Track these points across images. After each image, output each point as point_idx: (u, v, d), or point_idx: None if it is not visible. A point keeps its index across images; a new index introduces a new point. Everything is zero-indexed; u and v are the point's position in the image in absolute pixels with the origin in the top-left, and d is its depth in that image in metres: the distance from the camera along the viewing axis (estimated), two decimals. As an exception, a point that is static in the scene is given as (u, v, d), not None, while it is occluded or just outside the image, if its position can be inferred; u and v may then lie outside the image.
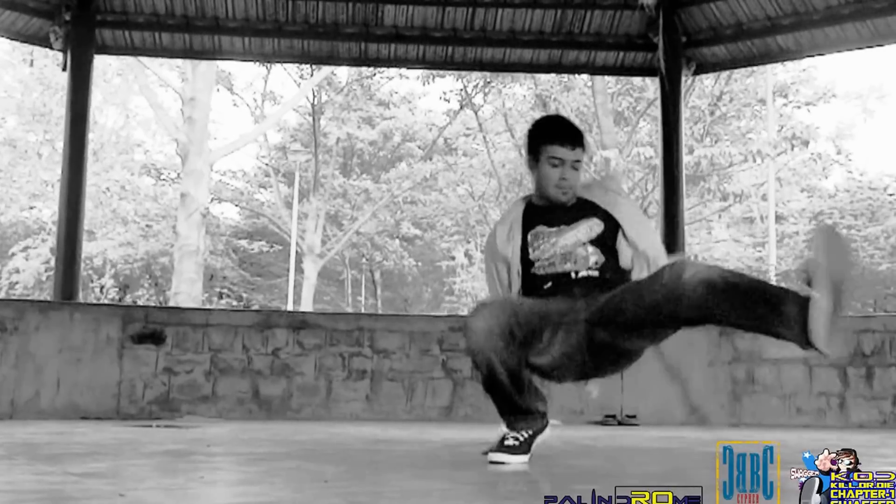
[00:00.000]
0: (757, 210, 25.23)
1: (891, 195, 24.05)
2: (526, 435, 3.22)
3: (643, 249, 3.38)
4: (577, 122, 3.64)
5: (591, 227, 3.39)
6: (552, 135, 3.41)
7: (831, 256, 2.76)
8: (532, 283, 3.39)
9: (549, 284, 3.32)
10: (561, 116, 3.67)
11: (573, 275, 3.31)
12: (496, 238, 3.51)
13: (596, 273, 3.32)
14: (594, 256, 3.33)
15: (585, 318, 3.16)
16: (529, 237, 3.43)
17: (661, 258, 3.37)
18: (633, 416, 6.91)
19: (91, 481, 2.40)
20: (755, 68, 19.87)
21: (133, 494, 2.13)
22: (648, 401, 6.95)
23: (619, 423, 6.78)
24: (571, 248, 3.35)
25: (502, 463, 3.12)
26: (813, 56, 9.53)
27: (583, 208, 3.43)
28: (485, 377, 3.12)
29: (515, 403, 3.19)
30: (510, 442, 3.21)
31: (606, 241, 3.37)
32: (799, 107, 24.99)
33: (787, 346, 3.07)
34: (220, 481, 2.58)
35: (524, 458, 3.17)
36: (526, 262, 3.41)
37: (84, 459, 3.09)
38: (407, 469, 2.86)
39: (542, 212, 3.46)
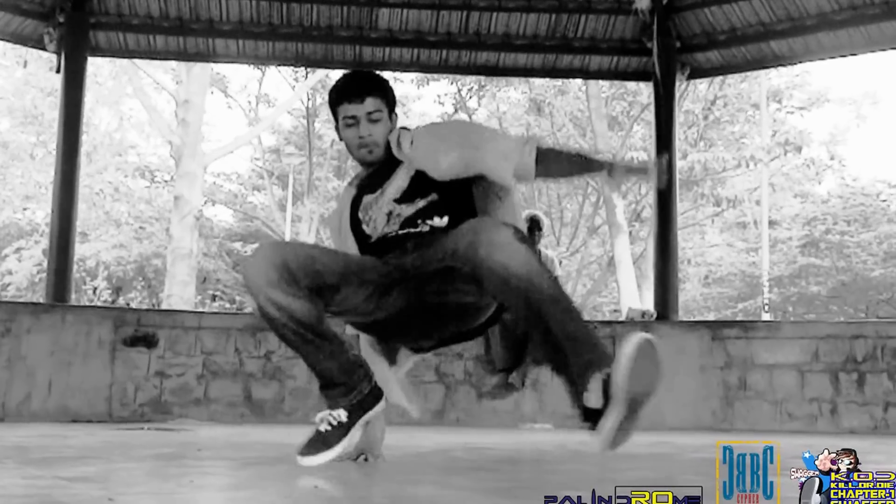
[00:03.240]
0: (750, 215, 25.25)
1: (884, 201, 24.07)
2: (340, 417, 2.80)
3: (484, 167, 2.94)
4: (373, 73, 3.27)
5: (401, 179, 3.04)
6: (338, 94, 3.09)
7: (638, 371, 2.38)
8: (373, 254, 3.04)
9: (379, 250, 2.98)
10: (351, 72, 3.28)
11: (395, 234, 2.97)
12: (334, 238, 3.24)
13: (417, 228, 2.95)
14: (408, 210, 2.97)
15: (414, 273, 2.79)
16: (360, 215, 3.10)
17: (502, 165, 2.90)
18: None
19: (81, 485, 2.39)
20: (749, 73, 19.92)
21: (122, 499, 2.12)
22: (641, 406, 6.95)
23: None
24: (390, 207, 3.02)
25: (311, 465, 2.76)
26: (807, 62, 9.54)
27: (394, 161, 3.11)
28: (276, 332, 2.74)
29: (319, 368, 2.78)
30: (322, 428, 2.80)
31: (426, 188, 2.99)
32: (792, 112, 25.04)
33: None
34: (210, 486, 2.57)
35: (333, 451, 2.76)
36: (364, 242, 3.07)
37: (74, 463, 3.08)
38: (398, 474, 2.85)
39: (367, 181, 3.14)
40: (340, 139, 3.13)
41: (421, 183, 2.98)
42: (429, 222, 2.93)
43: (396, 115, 3.11)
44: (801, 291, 22.27)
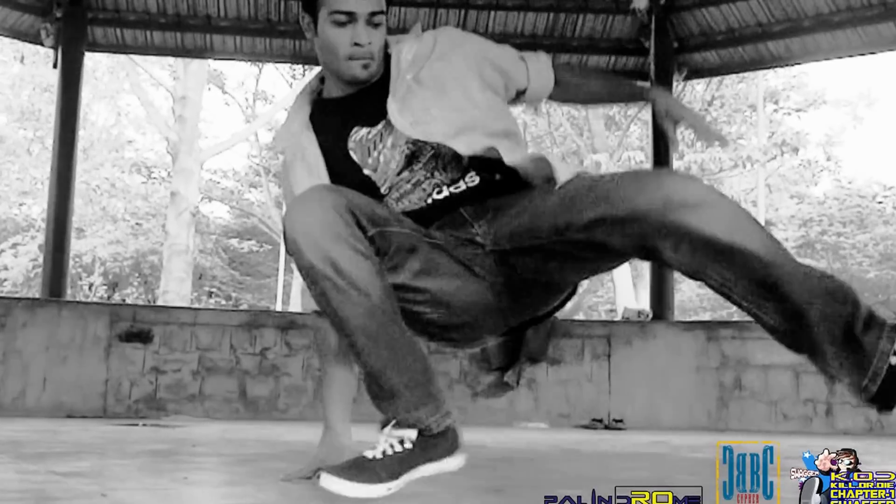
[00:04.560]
0: (746, 216, 25.26)
1: (879, 203, 24.12)
2: (407, 439, 1.92)
3: (517, 86, 2.32)
4: None
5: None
6: None
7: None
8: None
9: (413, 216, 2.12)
10: None
11: (444, 194, 2.13)
12: (290, 182, 2.29)
13: (476, 180, 2.14)
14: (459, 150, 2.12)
15: (490, 247, 2.04)
16: (359, 158, 2.20)
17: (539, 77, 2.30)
18: (620, 421, 6.91)
19: (74, 481, 2.38)
20: (746, 74, 19.93)
21: (115, 494, 2.12)
22: (636, 405, 6.96)
23: (606, 427, 6.79)
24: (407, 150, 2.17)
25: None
26: (804, 63, 9.55)
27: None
28: (329, 308, 1.85)
29: (382, 367, 1.88)
30: (372, 452, 1.89)
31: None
32: (789, 113, 25.06)
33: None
34: (204, 482, 2.57)
35: (374, 489, 1.83)
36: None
37: (68, 458, 3.07)
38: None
39: (348, 106, 2.24)
40: (309, 39, 2.25)
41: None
42: (473, 176, 2.15)
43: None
44: (796, 292, 22.30)
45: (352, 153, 2.20)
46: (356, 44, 2.14)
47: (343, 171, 2.19)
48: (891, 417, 6.60)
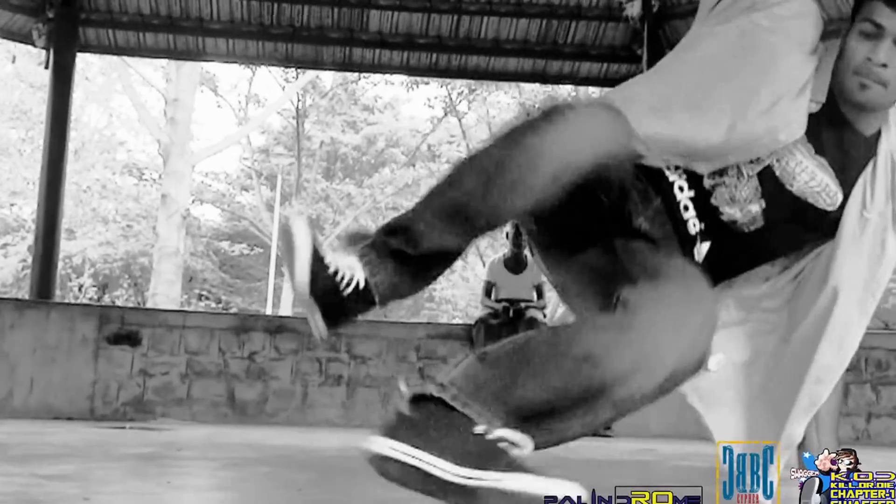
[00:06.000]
0: (738, 224, 25.37)
1: (870, 212, 24.22)
2: None
3: None
4: None
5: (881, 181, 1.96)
6: None
7: None
8: None
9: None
10: None
11: None
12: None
13: None
14: None
15: None
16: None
17: None
18: (609, 428, 6.89)
19: (57, 483, 2.37)
20: (739, 83, 19.99)
21: (98, 498, 2.11)
22: (624, 412, 6.95)
23: (594, 435, 6.77)
24: None
25: None
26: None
27: (874, 141, 1.98)
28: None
29: None
30: None
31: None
32: (781, 121, 25.19)
33: None
34: (188, 486, 2.56)
35: None
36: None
37: (53, 461, 3.06)
38: (381, 477, 2.85)
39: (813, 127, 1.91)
40: (840, 50, 1.98)
41: None
42: None
43: None
44: (786, 301, 22.39)
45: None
46: (871, 59, 1.87)
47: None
48: (878, 427, 6.57)
